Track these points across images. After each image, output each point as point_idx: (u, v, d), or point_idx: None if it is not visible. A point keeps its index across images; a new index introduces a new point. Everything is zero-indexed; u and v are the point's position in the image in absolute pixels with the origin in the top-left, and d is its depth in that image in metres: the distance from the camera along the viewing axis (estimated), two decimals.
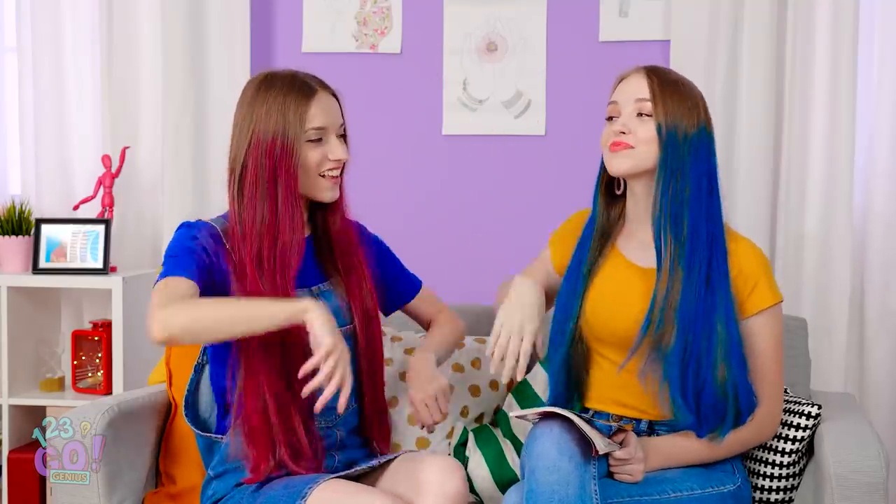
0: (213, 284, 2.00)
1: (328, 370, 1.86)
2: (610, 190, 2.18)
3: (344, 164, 2.11)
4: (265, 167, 2.01)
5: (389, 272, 2.29)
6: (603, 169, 2.17)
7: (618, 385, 2.14)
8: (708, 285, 2.03)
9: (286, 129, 2.01)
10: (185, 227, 2.05)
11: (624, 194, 2.17)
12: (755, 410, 2.07)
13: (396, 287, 2.32)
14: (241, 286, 2.00)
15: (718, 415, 2.04)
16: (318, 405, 1.88)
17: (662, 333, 2.03)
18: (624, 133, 2.07)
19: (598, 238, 2.18)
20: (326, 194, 2.08)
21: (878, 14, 3.03)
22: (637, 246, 2.16)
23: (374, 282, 2.20)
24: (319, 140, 2.05)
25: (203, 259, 1.99)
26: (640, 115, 2.07)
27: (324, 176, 2.06)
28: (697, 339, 2.02)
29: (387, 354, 2.45)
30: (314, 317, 1.88)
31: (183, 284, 1.93)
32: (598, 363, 2.18)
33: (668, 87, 2.07)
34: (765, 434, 2.13)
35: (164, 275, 1.96)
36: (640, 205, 2.13)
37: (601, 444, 1.91)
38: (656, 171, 2.05)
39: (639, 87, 2.08)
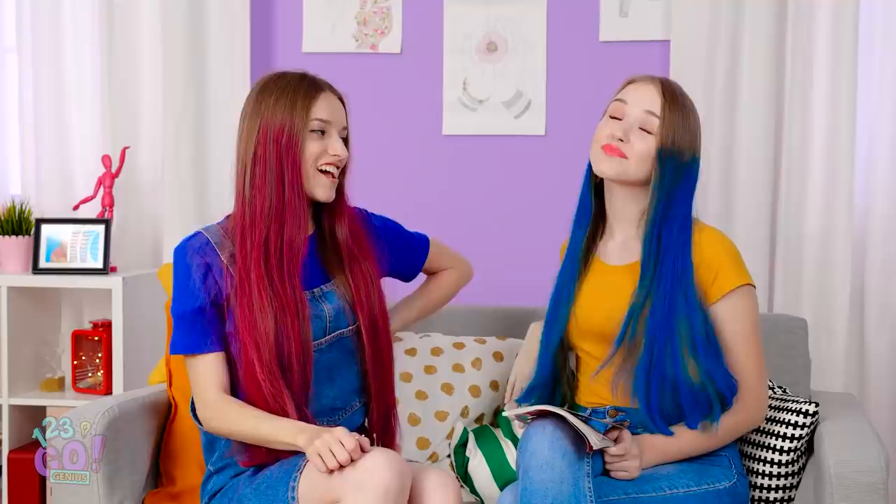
0: (221, 307, 2.05)
1: (333, 467, 1.89)
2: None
3: (344, 166, 2.13)
4: (272, 154, 2.04)
5: (400, 247, 2.32)
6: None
7: (607, 377, 2.14)
8: (671, 289, 2.06)
9: (293, 117, 2.04)
10: (178, 256, 2.08)
11: (601, 185, 2.20)
12: (737, 393, 2.08)
13: (408, 258, 2.35)
14: (246, 280, 2.02)
15: (702, 405, 2.05)
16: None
17: (634, 343, 2.06)
18: (622, 141, 2.08)
19: (589, 233, 2.20)
20: (322, 192, 2.08)
21: (878, 14, 3.02)
22: (614, 246, 2.19)
23: (388, 263, 2.23)
24: (322, 133, 2.07)
25: (211, 294, 2.04)
26: (641, 129, 2.09)
27: (321, 171, 2.07)
28: (661, 349, 2.04)
29: None
30: (298, 443, 1.94)
31: (212, 366, 2.04)
32: (584, 361, 2.21)
33: (676, 109, 2.10)
34: (754, 416, 2.13)
35: (186, 347, 2.04)
36: (617, 203, 2.17)
37: (595, 439, 1.91)
38: (650, 191, 2.08)
39: (652, 99, 2.10)
